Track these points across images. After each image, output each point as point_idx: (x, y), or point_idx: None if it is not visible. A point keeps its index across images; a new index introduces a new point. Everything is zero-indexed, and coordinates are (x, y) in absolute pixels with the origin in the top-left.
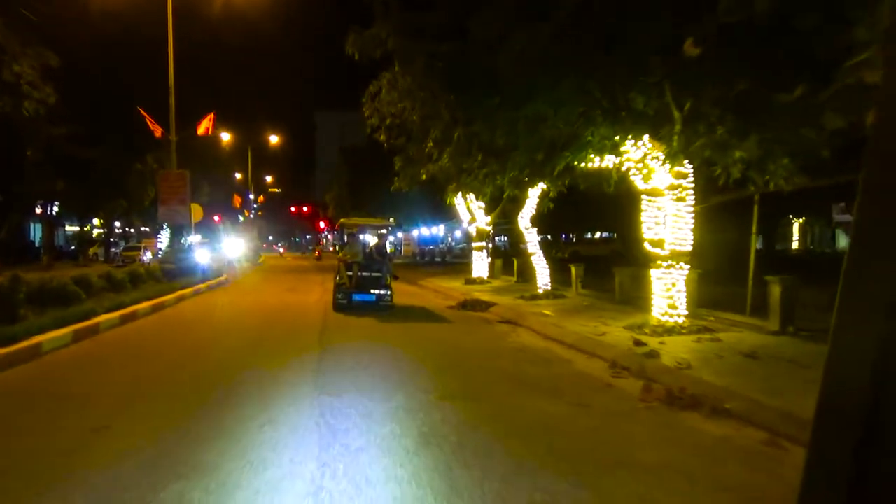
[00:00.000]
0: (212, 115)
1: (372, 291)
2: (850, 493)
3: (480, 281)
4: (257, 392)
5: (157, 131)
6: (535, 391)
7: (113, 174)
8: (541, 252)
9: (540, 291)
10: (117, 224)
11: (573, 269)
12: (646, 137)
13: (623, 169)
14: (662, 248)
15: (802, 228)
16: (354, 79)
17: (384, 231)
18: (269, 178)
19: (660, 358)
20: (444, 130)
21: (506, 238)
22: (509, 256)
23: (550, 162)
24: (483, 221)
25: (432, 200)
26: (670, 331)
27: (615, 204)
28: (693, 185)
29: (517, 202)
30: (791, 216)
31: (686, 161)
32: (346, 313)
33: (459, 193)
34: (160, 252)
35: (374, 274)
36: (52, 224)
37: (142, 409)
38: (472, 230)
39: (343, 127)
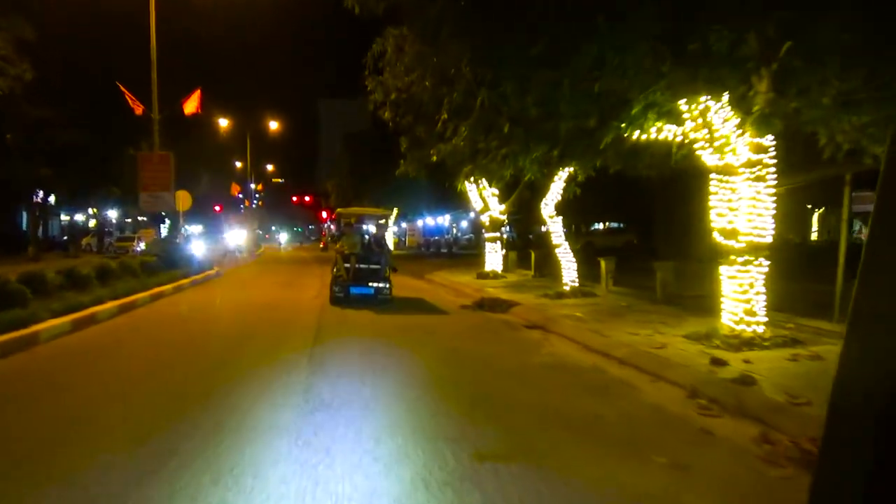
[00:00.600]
0: (198, 91)
1: (370, 284)
2: (866, 490)
3: (494, 275)
4: (213, 446)
5: (138, 109)
6: (607, 444)
7: (102, 160)
8: (566, 244)
9: (566, 289)
10: (113, 213)
11: (602, 264)
12: (725, 97)
13: (688, 140)
14: (736, 240)
15: (822, 218)
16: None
17: (383, 222)
18: (270, 167)
19: (757, 385)
20: (465, 94)
21: (511, 228)
22: (517, 248)
23: (599, 131)
24: (497, 210)
25: (438, 188)
26: (749, 343)
27: (632, 191)
28: (775, 160)
29: (536, 189)
30: (809, 206)
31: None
32: (344, 307)
33: (471, 179)
34: (176, 241)
35: (372, 266)
36: (38, 213)
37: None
38: (485, 219)
39: (346, 116)
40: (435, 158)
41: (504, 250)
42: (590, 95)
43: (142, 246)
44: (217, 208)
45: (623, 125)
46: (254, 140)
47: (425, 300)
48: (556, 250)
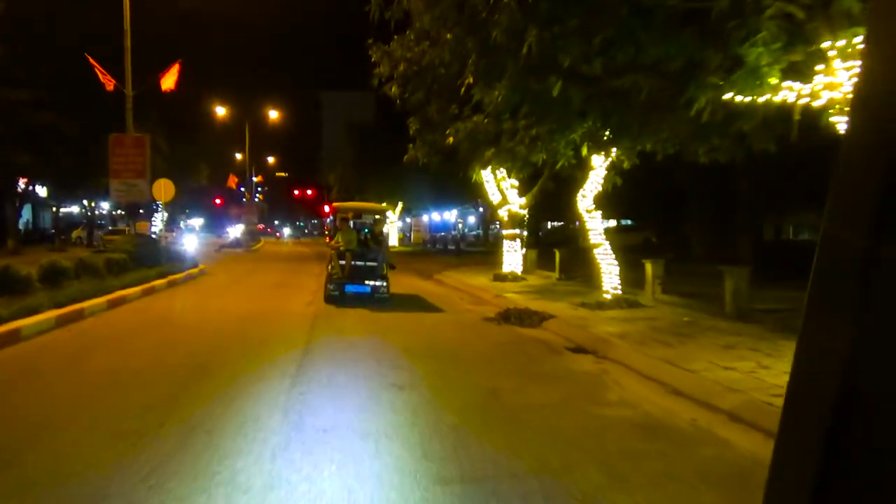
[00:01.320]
0: (177, 65)
1: (367, 282)
2: (818, 483)
3: (513, 277)
4: None
5: (109, 84)
6: None
7: (87, 146)
8: (608, 244)
9: (607, 297)
10: (108, 205)
11: (648, 268)
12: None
13: (817, 103)
14: None
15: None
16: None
17: (381, 217)
18: (271, 160)
19: None
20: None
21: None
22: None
23: (690, 91)
24: (516, 203)
25: (446, 181)
26: None
27: (651, 184)
28: None
29: (560, 180)
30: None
31: None
32: (339, 305)
33: (488, 168)
34: (153, 235)
35: (368, 263)
36: (19, 203)
37: None
38: (503, 214)
39: (350, 108)
40: (451, 140)
41: (524, 249)
42: (685, 42)
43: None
44: (217, 201)
45: (722, 82)
46: (256, 133)
47: (438, 307)
48: (596, 251)
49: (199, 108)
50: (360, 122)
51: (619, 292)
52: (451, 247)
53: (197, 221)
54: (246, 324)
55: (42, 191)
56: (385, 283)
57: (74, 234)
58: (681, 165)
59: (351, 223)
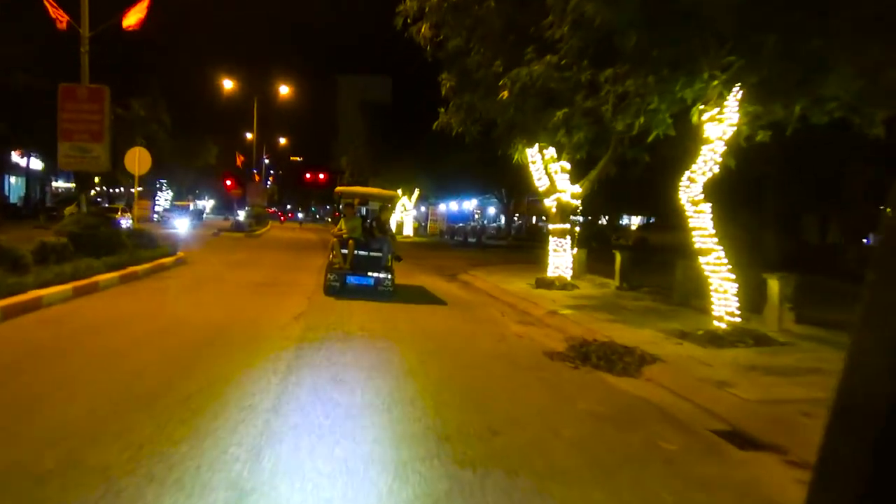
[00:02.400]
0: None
1: (370, 274)
2: (866, 489)
3: (562, 284)
4: None
5: (62, 21)
6: None
7: None
8: (721, 249)
9: (721, 326)
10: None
11: (774, 285)
12: None
13: None
14: None
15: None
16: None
17: (388, 204)
18: (283, 141)
19: None
20: None
21: (539, 219)
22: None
23: None
24: (568, 192)
25: (466, 167)
26: None
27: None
28: None
29: (626, 165)
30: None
31: None
32: (339, 297)
33: (536, 146)
34: (155, 215)
35: (372, 253)
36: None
37: None
38: (550, 204)
39: (366, 92)
40: (506, 95)
41: (575, 249)
42: None
43: (126, 221)
44: (228, 182)
45: None
46: (269, 116)
47: (474, 328)
48: (704, 260)
49: (207, 82)
50: (374, 100)
51: (738, 316)
52: (472, 239)
53: (206, 204)
54: (193, 355)
55: (40, 164)
56: (389, 276)
57: (68, 210)
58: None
59: (363, 210)
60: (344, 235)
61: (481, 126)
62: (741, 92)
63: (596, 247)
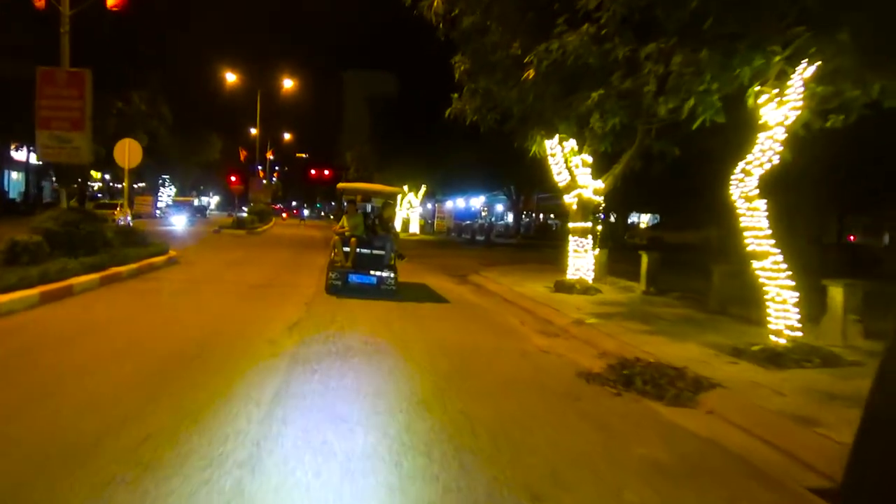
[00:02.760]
0: None
1: (372, 273)
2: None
3: (583, 287)
4: None
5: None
6: None
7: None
8: (778, 252)
9: (781, 340)
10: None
11: (835, 293)
12: None
13: None
14: None
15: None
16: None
17: (391, 201)
18: (287, 136)
19: None
20: None
21: (550, 217)
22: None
23: None
24: (590, 187)
25: (474, 163)
26: None
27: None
28: None
29: (651, 158)
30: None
31: None
32: (342, 296)
33: (556, 138)
34: (156, 211)
35: (375, 251)
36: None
37: None
38: (571, 200)
39: (373, 87)
40: (531, 74)
41: (597, 249)
42: None
43: (125, 218)
44: (233, 178)
45: None
46: (275, 111)
47: (491, 339)
48: (758, 265)
49: (211, 77)
50: (381, 93)
51: (799, 334)
52: (480, 237)
53: (211, 200)
54: (161, 380)
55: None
56: (393, 274)
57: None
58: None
59: (368, 207)
60: (346, 233)
61: (498, 114)
62: (809, 69)
63: (610, 246)
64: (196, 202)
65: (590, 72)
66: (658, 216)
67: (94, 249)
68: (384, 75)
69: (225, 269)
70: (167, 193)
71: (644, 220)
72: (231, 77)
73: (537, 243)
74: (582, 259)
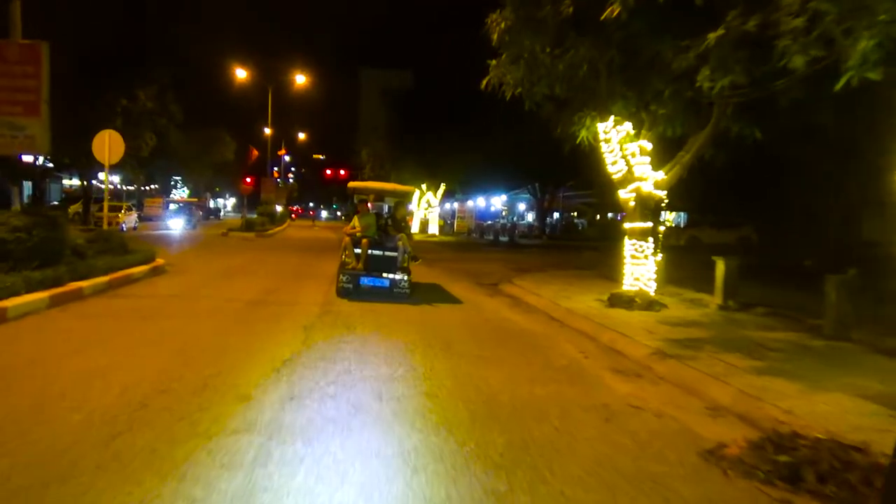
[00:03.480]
0: None
1: (384, 275)
2: None
3: (645, 302)
4: None
5: None
6: None
7: (75, 111)
8: None
9: None
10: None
11: None
12: None
13: None
14: None
15: None
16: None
17: (404, 200)
18: (302, 136)
19: None
20: None
21: (575, 216)
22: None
23: None
24: (650, 181)
25: (498, 157)
26: None
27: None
28: None
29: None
30: None
31: None
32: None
33: (610, 120)
34: (168, 215)
35: (387, 253)
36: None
37: None
38: (627, 196)
39: (389, 85)
40: (616, 9)
41: (660, 254)
42: None
43: (131, 220)
44: (248, 180)
45: None
46: (291, 112)
47: (551, 385)
48: None
49: (224, 74)
50: (397, 87)
51: None
52: (503, 238)
53: (229, 201)
54: (61, 476)
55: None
56: (406, 277)
57: (72, 209)
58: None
59: (385, 207)
60: (357, 234)
61: (547, 87)
62: None
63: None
64: (212, 203)
65: (686, 14)
66: (682, 214)
67: (55, 260)
68: (400, 72)
69: (218, 279)
70: (179, 194)
71: (668, 218)
72: (242, 74)
73: (565, 244)
74: (642, 266)
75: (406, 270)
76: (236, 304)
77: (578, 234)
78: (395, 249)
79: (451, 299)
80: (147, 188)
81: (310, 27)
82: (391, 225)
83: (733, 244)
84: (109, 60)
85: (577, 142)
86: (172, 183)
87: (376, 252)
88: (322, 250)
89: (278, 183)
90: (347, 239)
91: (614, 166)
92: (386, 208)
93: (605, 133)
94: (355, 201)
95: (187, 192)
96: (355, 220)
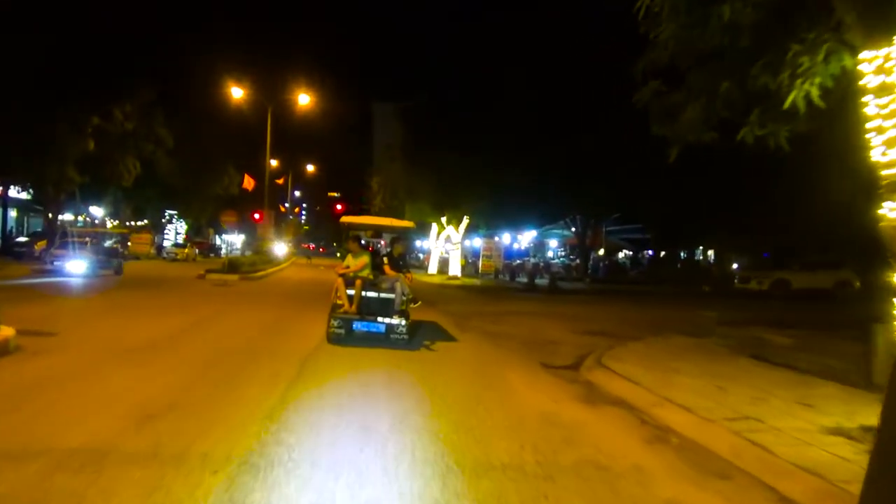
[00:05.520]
0: None
1: (380, 319)
2: None
3: None
4: None
5: None
6: None
7: (36, 131)
8: None
9: None
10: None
11: None
12: None
13: None
14: None
15: None
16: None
17: (399, 237)
18: (310, 168)
19: None
20: None
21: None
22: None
23: None
24: None
25: (532, 184)
26: None
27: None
28: None
29: None
30: None
31: None
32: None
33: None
34: (164, 252)
35: (383, 295)
36: None
37: None
38: None
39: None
40: None
41: None
42: None
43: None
44: (257, 216)
45: None
46: (305, 149)
47: None
48: None
49: (224, 100)
50: (414, 108)
51: None
52: (542, 280)
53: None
54: None
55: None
56: (404, 322)
57: (38, 245)
58: None
59: (387, 242)
60: (350, 274)
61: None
62: None
63: (707, 290)
64: (218, 240)
65: None
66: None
67: None
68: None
69: (96, 372)
70: (175, 230)
71: (709, 256)
72: (239, 93)
73: (616, 289)
74: None
75: (404, 314)
76: (64, 465)
77: (624, 275)
78: (392, 290)
79: (514, 401)
80: (132, 224)
81: (325, 60)
82: (388, 264)
83: (830, 289)
84: (76, 71)
85: (791, 99)
86: (167, 218)
87: (371, 294)
88: (312, 299)
89: (288, 217)
90: (340, 280)
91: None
92: (381, 243)
93: (872, 69)
94: (348, 238)
95: (185, 227)
96: (349, 259)
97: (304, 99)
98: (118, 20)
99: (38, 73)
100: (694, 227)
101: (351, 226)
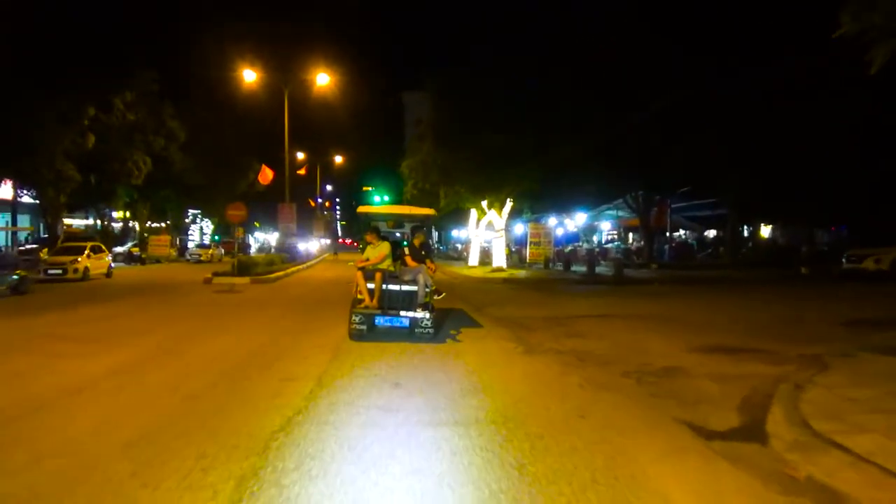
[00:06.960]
0: None
1: (403, 314)
2: None
3: None
4: None
5: None
6: None
7: (26, 125)
8: None
9: None
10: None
11: None
12: None
13: None
14: None
15: None
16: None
17: (420, 225)
18: (339, 159)
19: None
20: None
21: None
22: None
23: None
24: None
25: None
26: None
27: None
28: None
29: None
30: None
31: None
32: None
33: None
34: (188, 254)
35: (405, 288)
36: None
37: None
38: None
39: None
40: None
41: None
42: None
43: (101, 266)
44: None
45: None
46: (339, 145)
47: None
48: None
49: (239, 87)
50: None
51: None
52: (605, 267)
53: (272, 237)
54: None
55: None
56: (428, 315)
57: (42, 253)
58: None
59: (409, 233)
60: (370, 267)
61: None
62: None
63: (807, 273)
64: (251, 239)
65: None
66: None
67: None
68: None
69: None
70: (201, 230)
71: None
72: (251, 75)
73: (694, 276)
74: None
75: (428, 307)
76: None
77: (693, 258)
78: (414, 283)
79: None
80: (153, 225)
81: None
82: (409, 254)
83: None
84: (61, 56)
85: None
86: (191, 218)
87: (392, 287)
88: (329, 306)
89: (321, 212)
90: (359, 273)
91: None
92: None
93: None
94: (368, 228)
95: (211, 226)
96: (368, 251)
97: (333, 88)
98: None
99: (15, 60)
100: (781, 199)
101: (368, 215)
